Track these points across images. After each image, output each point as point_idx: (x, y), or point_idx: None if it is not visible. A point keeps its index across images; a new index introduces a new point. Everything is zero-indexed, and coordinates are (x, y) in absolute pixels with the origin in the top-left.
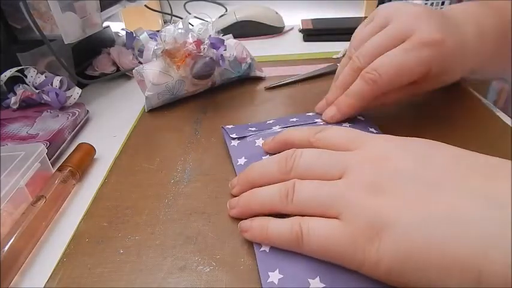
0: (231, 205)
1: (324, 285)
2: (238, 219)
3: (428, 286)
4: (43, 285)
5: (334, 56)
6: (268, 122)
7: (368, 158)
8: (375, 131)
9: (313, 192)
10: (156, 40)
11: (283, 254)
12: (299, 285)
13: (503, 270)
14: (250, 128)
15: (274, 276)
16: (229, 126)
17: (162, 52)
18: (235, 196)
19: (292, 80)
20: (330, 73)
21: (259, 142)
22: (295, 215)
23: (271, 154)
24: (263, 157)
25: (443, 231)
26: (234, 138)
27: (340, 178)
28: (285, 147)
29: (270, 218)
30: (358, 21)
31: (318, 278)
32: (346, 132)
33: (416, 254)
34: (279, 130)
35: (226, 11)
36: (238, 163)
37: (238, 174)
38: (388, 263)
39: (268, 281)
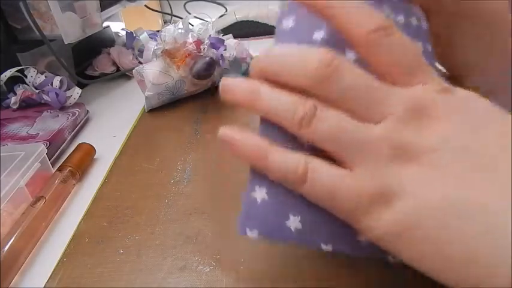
0: (223, 89)
1: (301, 228)
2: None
3: (413, 266)
4: (43, 285)
5: None
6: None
7: (416, 109)
8: (429, 49)
9: (336, 127)
10: (156, 40)
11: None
12: (277, 218)
13: None
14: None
15: (260, 194)
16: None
17: (162, 52)
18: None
19: None
20: None
21: (318, 35)
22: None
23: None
24: (313, 36)
25: (465, 223)
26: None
27: (373, 121)
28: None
29: (273, 146)
30: None
31: (299, 217)
32: (410, 55)
33: (420, 237)
34: None
35: (226, 11)
36: (284, 26)
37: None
38: (384, 233)
39: (252, 193)
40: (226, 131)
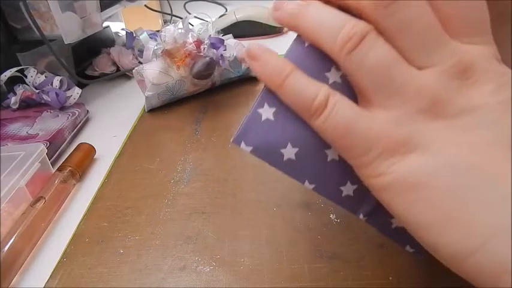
0: (276, 6)
1: (294, 159)
2: (237, 219)
3: (409, 228)
4: (43, 285)
5: None
6: None
7: (465, 68)
8: None
9: (382, 59)
10: (156, 40)
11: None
12: (276, 142)
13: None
14: None
15: (266, 112)
16: None
17: (162, 52)
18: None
19: None
20: None
21: None
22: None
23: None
24: None
25: (476, 195)
26: None
27: (418, 66)
28: None
29: (293, 68)
30: None
31: (297, 149)
32: (477, 12)
33: (427, 197)
34: None
35: (226, 11)
36: None
37: None
38: (390, 182)
39: (258, 109)
40: (253, 46)
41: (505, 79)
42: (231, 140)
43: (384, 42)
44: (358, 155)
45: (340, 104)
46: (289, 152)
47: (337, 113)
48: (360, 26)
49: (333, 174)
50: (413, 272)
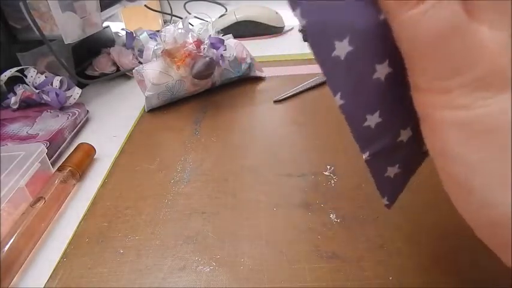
0: None
1: (343, 58)
2: (237, 219)
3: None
4: (43, 285)
5: None
6: None
7: None
8: None
9: None
10: (156, 40)
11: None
12: (338, 27)
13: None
14: None
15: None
16: None
17: (162, 52)
18: None
19: (299, 90)
20: None
21: None
22: None
23: None
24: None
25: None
26: None
27: None
28: None
29: None
30: None
31: (351, 48)
32: None
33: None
34: None
35: (226, 11)
36: None
37: None
38: (473, 119)
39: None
40: None
41: None
42: None
43: None
44: (445, 74)
45: (446, 1)
46: (342, 48)
47: (442, 7)
48: None
49: (369, 96)
50: (413, 272)
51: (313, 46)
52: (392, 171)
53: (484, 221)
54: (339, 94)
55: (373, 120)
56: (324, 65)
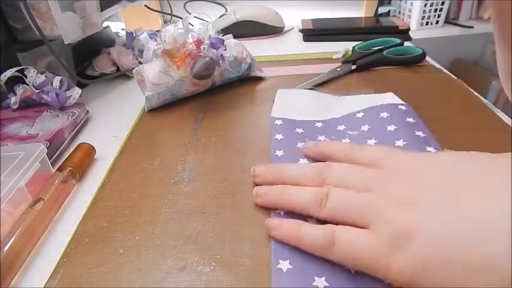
0: (258, 193)
1: (328, 285)
2: (237, 219)
3: (452, 286)
4: (43, 285)
5: (334, 56)
6: (315, 124)
7: (398, 174)
8: (433, 150)
9: (346, 200)
10: (156, 40)
11: (296, 248)
12: (305, 280)
13: None
14: (297, 130)
15: (284, 265)
16: (278, 123)
17: (162, 52)
18: (257, 184)
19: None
20: (330, 80)
21: (301, 145)
22: (324, 222)
23: (308, 159)
24: (300, 159)
25: (470, 231)
26: (279, 133)
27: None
28: (322, 158)
29: (302, 222)
30: (358, 21)
31: (324, 278)
32: (384, 152)
33: (442, 256)
34: (323, 139)
35: (226, 11)
36: (276, 154)
37: (271, 164)
38: (413, 268)
39: (277, 266)
40: (271, 220)
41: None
42: None
43: (341, 190)
44: (377, 268)
45: (343, 235)
46: (320, 283)
47: (345, 242)
48: (321, 190)
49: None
50: None
51: None
52: None
53: None
54: None
55: None
56: None
